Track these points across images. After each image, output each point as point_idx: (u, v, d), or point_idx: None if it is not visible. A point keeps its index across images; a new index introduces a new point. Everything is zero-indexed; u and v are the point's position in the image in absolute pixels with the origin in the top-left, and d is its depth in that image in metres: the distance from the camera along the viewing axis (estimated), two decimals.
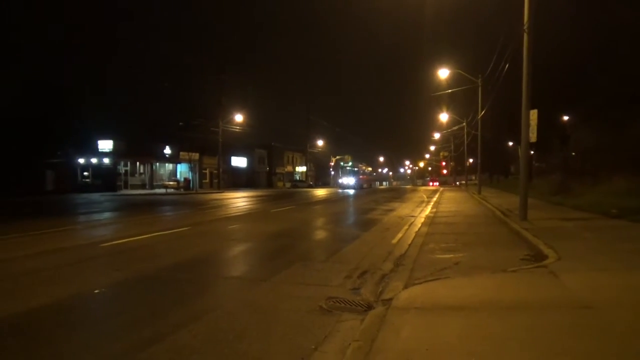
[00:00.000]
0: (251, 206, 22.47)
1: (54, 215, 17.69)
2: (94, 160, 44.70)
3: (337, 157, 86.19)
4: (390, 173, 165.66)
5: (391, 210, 19.04)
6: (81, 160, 44.84)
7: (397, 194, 36.94)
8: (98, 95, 60.15)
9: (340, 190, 47.19)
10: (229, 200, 27.31)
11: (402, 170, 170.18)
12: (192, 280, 6.45)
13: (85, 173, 45.43)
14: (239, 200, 28.05)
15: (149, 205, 23.49)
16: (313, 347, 3.78)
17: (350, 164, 59.85)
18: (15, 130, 38.08)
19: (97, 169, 44.67)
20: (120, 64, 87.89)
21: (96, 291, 5.79)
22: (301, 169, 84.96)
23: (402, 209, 19.44)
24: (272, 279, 6.21)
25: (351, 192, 44.99)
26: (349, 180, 54.56)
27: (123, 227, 13.30)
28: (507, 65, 17.18)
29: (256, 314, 4.72)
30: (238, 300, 5.31)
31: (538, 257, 6.99)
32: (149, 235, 10.80)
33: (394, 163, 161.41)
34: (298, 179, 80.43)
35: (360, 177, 58.11)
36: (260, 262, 8.04)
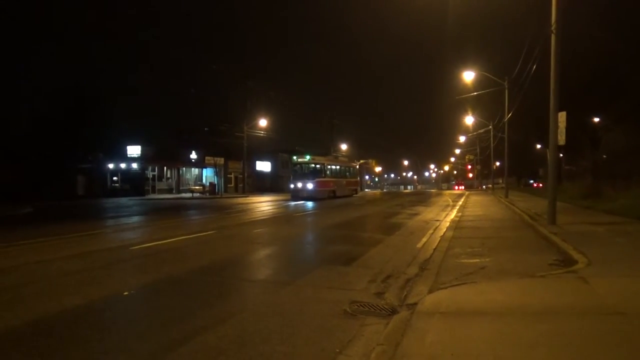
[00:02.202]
0: (275, 210, 22.62)
1: (86, 219, 18.19)
2: (123, 166, 45.74)
3: (362, 161, 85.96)
4: (415, 177, 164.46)
5: (416, 214, 18.88)
6: (111, 166, 45.94)
7: (421, 198, 36.58)
8: (127, 101, 61.70)
9: (292, 203, 28.30)
10: (253, 205, 27.55)
11: (427, 174, 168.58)
12: (219, 283, 6.54)
13: (115, 178, 46.53)
14: (263, 204, 28.26)
15: (176, 210, 23.89)
16: (337, 350, 3.79)
17: (307, 158, 35.16)
18: (48, 136, 39.35)
19: (126, 174, 45.68)
20: (148, 71, 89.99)
21: (126, 293, 5.93)
22: None
23: (427, 213, 19.26)
24: (296, 283, 6.25)
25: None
26: (304, 184, 33.38)
27: (151, 230, 13.58)
28: (534, 67, 16.88)
29: (281, 316, 4.76)
30: (263, 303, 5.37)
31: (567, 262, 6.84)
32: (176, 238, 11.00)
33: (418, 167, 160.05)
34: None
35: (321, 180, 34.31)
36: (285, 265, 8.10)
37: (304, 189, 32.98)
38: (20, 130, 39.23)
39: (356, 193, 44.73)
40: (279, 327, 4.42)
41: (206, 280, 6.69)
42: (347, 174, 42.37)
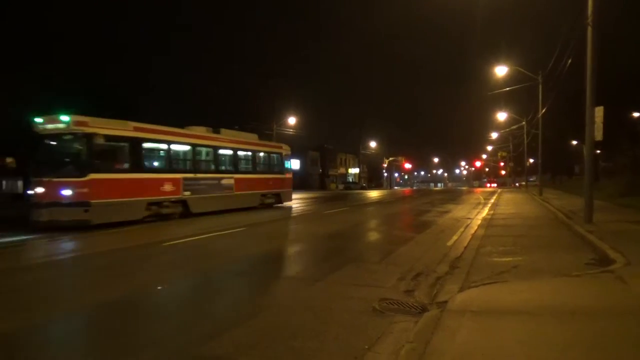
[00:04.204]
0: (304, 207, 22.73)
1: None
2: None
3: (391, 158, 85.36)
4: (446, 174, 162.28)
5: (446, 212, 18.65)
6: None
7: (452, 196, 36.07)
8: (156, 100, 63.03)
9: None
10: None
11: (457, 171, 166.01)
12: (249, 278, 6.64)
13: None
14: (293, 202, 28.40)
15: None
16: (366, 347, 3.80)
17: (67, 121, 12.39)
18: None
19: None
20: (177, 69, 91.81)
21: (159, 287, 6.09)
22: (354, 170, 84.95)
23: (458, 211, 18.99)
24: (325, 279, 6.28)
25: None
26: (54, 189, 12.35)
27: (183, 227, 13.83)
28: (569, 61, 16.38)
29: (310, 312, 4.79)
30: (293, 299, 5.41)
31: (604, 261, 6.63)
32: (207, 235, 11.21)
33: (449, 164, 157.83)
34: (351, 180, 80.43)
35: (108, 178, 13.23)
36: (314, 262, 8.15)
37: (55, 199, 12.47)
38: None
39: (275, 203, 22.66)
40: (308, 323, 4.46)
41: (236, 276, 6.81)
42: (240, 166, 20.26)
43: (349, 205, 24.70)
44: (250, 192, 20.16)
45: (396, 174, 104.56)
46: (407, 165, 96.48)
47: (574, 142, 41.45)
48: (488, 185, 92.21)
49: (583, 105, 10.91)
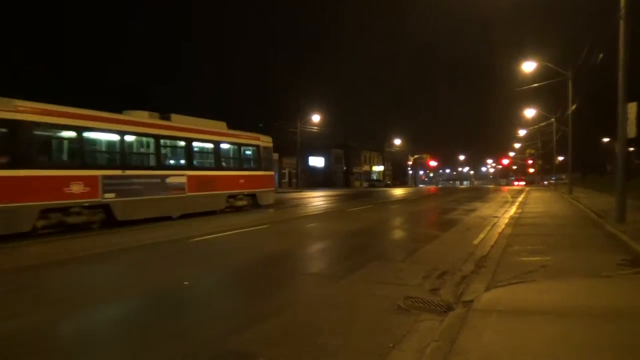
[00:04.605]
0: (328, 205, 22.76)
1: None
2: None
3: (416, 155, 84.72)
4: (472, 172, 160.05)
5: (472, 210, 18.39)
6: None
7: (478, 194, 35.54)
8: (182, 98, 64.07)
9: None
10: (307, 200, 27.84)
11: (484, 169, 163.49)
12: (272, 275, 6.70)
13: None
14: (317, 199, 28.50)
15: None
16: (391, 345, 3.80)
17: None
18: None
19: None
20: (202, 68, 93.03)
21: (185, 282, 6.19)
22: (378, 168, 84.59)
23: (484, 209, 18.71)
24: (349, 277, 6.29)
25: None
26: None
27: (208, 224, 14.05)
28: (601, 55, 15.91)
29: (334, 310, 4.82)
30: (316, 296, 5.45)
31: (637, 262, 6.45)
32: (232, 232, 11.35)
33: (475, 162, 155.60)
34: (375, 178, 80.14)
35: None
36: (338, 260, 8.16)
37: None
38: None
39: (250, 205, 18.62)
40: (332, 319, 4.48)
41: (260, 273, 6.88)
42: (197, 161, 16.65)
43: (373, 202, 24.61)
44: (211, 192, 16.38)
45: (421, 172, 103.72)
46: (432, 163, 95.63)
47: (606, 140, 40.26)
48: (516, 183, 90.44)
49: (615, 101, 10.60)
